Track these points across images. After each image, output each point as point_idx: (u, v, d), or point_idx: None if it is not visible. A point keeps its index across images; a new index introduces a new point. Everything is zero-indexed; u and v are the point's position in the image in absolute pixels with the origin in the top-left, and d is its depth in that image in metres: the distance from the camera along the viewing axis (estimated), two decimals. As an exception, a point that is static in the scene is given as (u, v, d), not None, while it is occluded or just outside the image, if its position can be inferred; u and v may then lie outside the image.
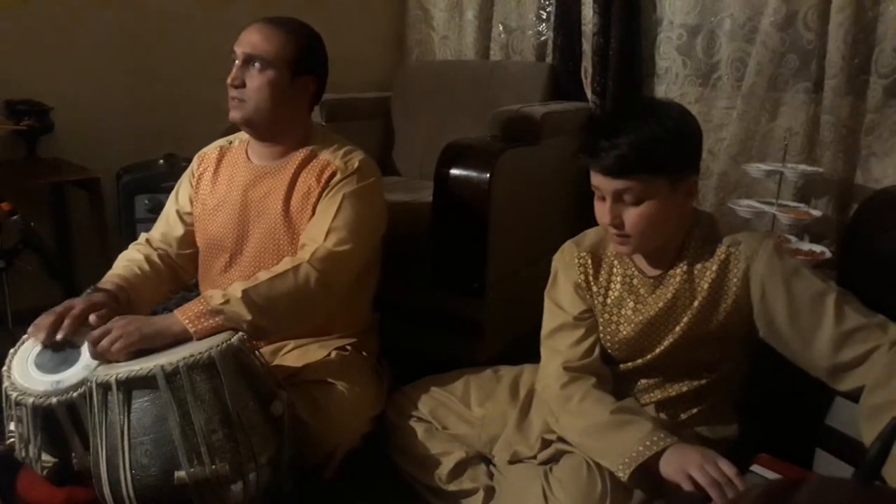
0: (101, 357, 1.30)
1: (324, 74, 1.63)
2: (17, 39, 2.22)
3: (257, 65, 1.51)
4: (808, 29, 2.07)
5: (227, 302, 1.35)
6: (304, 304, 1.46)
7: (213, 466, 1.22)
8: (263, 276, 1.42)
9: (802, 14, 2.06)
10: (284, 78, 1.53)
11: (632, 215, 1.24)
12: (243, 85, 1.52)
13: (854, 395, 1.21)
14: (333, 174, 1.56)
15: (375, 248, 1.65)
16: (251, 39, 1.52)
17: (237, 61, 1.53)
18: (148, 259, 1.61)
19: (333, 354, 1.58)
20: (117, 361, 1.29)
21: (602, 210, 1.28)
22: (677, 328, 1.31)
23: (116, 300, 1.46)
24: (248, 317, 1.35)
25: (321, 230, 1.50)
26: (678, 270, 1.31)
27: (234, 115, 1.56)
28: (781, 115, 2.15)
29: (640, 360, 1.36)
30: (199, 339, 1.32)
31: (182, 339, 1.32)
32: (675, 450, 1.16)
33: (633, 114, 1.28)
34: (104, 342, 1.29)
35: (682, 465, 1.13)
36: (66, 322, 1.37)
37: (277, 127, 1.58)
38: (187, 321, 1.32)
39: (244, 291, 1.36)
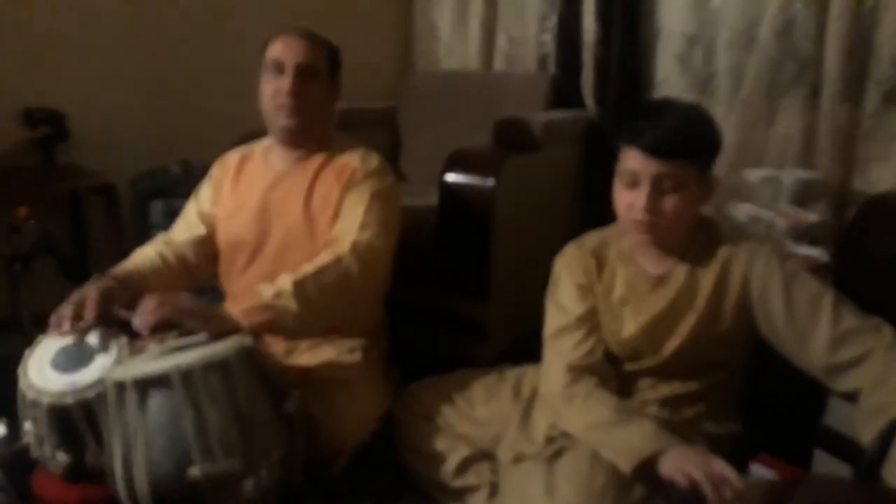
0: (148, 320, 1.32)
1: (341, 76, 1.72)
2: (33, 48, 2.25)
3: (309, 74, 1.59)
4: (805, 37, 2.09)
5: (278, 296, 1.38)
6: (347, 296, 1.50)
7: (227, 463, 1.25)
8: (309, 269, 1.45)
9: (800, 22, 2.09)
10: (327, 82, 1.64)
11: (669, 202, 1.26)
12: (299, 93, 1.59)
13: (850, 396, 1.24)
14: (353, 174, 1.62)
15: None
16: (298, 50, 1.59)
17: (287, 71, 1.59)
18: (161, 255, 1.65)
19: (344, 354, 1.62)
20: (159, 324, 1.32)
21: (631, 197, 1.29)
22: (684, 329, 1.33)
23: (125, 287, 1.49)
24: (297, 310, 1.38)
25: (354, 224, 1.56)
26: (681, 270, 1.34)
27: (291, 122, 1.62)
28: (779, 122, 2.17)
29: (648, 361, 1.37)
30: (252, 332, 1.35)
31: (233, 331, 1.34)
32: (677, 451, 1.19)
33: (669, 104, 1.32)
34: (149, 306, 1.32)
35: (681, 464, 1.15)
36: (89, 315, 1.39)
37: (318, 129, 1.67)
38: (242, 314, 1.36)
39: (294, 284, 1.40)
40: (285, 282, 1.41)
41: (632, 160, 1.28)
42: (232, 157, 1.77)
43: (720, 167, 2.22)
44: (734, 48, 2.24)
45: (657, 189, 1.26)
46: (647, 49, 2.46)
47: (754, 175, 2.05)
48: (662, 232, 1.30)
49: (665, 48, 2.41)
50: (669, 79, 2.41)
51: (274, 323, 1.38)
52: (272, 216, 1.65)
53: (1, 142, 2.11)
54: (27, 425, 1.38)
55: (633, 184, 1.28)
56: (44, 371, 1.38)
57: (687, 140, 1.25)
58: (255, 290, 1.41)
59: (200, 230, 1.72)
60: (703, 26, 2.32)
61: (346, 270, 1.48)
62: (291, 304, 1.39)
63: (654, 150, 1.24)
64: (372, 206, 1.58)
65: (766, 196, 2.04)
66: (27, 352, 1.43)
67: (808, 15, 2.08)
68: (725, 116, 2.25)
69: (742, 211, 2.01)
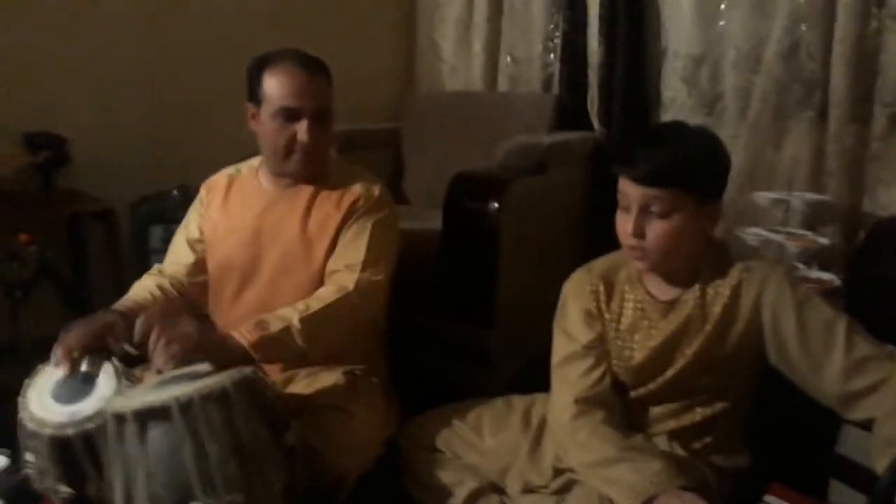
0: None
1: None
2: (34, 72, 2.27)
3: (325, 114, 1.56)
4: (811, 59, 2.08)
5: (286, 332, 1.38)
6: (349, 330, 1.52)
7: (228, 497, 1.23)
8: (314, 304, 1.45)
9: (805, 44, 2.08)
10: (332, 117, 1.60)
11: (655, 228, 1.25)
12: (318, 139, 1.56)
13: (863, 425, 1.22)
14: (356, 201, 1.60)
15: None
16: (313, 93, 1.55)
17: (304, 117, 1.54)
18: (160, 287, 1.63)
19: (342, 380, 1.60)
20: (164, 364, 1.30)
21: (625, 220, 1.28)
22: (689, 352, 1.32)
23: (127, 320, 1.45)
24: (302, 346, 1.39)
25: (357, 259, 1.54)
26: (690, 295, 1.33)
27: (307, 169, 1.60)
28: (787, 144, 2.15)
29: (651, 385, 1.36)
30: (261, 361, 1.35)
31: (241, 361, 1.33)
32: (670, 495, 1.17)
33: (670, 131, 1.33)
34: (161, 344, 1.30)
35: None
36: (82, 353, 1.39)
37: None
38: (250, 347, 1.34)
39: (301, 321, 1.40)
40: (292, 317, 1.41)
41: (623, 184, 1.28)
42: (219, 180, 1.74)
43: (729, 190, 2.22)
44: (740, 69, 2.23)
45: (644, 214, 1.26)
46: (653, 69, 2.45)
47: (763, 198, 2.03)
48: (654, 258, 1.29)
49: (671, 69, 2.41)
50: (676, 99, 2.40)
51: (280, 357, 1.40)
52: (265, 240, 1.62)
53: (2, 167, 2.11)
54: (28, 456, 1.37)
55: (627, 208, 1.28)
56: (44, 401, 1.37)
57: (676, 171, 1.23)
58: (262, 322, 1.40)
59: (189, 258, 1.70)
60: (709, 46, 2.31)
61: (350, 308, 1.49)
62: (298, 341, 1.39)
63: (640, 180, 1.24)
64: (373, 238, 1.57)
65: (776, 219, 2.03)
66: (27, 381, 1.42)
67: (814, 37, 2.07)
68: (733, 139, 2.24)
69: (751, 234, 1.99)
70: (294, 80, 1.54)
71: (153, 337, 1.32)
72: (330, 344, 1.51)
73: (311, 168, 1.61)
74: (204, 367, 1.32)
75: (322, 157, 1.62)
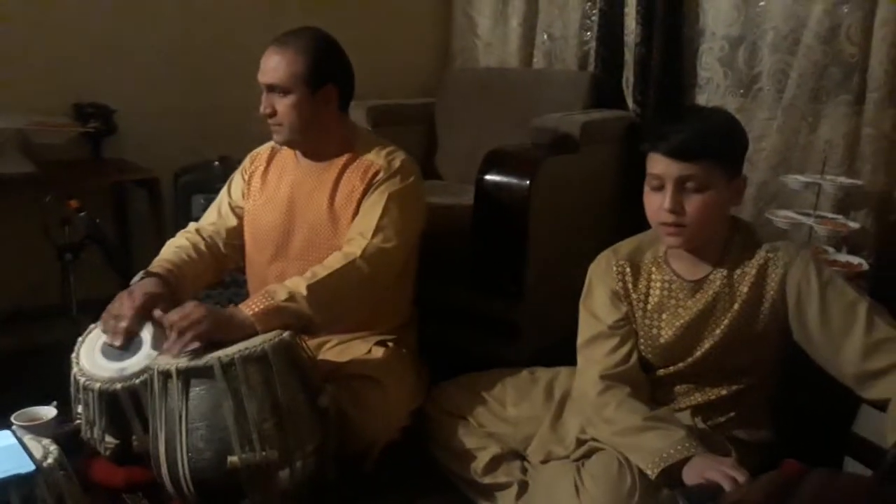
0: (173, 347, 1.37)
1: (346, 76, 1.68)
2: (85, 46, 2.32)
3: (278, 92, 1.60)
4: (850, 42, 2.05)
5: (292, 299, 1.42)
6: (356, 299, 1.55)
7: (263, 453, 1.30)
8: (321, 272, 1.48)
9: (845, 27, 2.05)
10: (305, 96, 1.60)
11: (693, 203, 1.27)
12: (274, 112, 1.61)
13: (880, 404, 1.24)
14: (377, 173, 1.63)
15: (414, 247, 1.72)
16: (266, 68, 1.60)
17: (264, 90, 1.62)
18: (195, 246, 1.69)
19: (374, 350, 1.65)
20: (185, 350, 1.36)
21: (658, 200, 1.30)
22: (717, 331, 1.34)
23: (168, 284, 1.54)
24: (310, 313, 1.43)
25: (369, 227, 1.57)
26: (718, 275, 1.35)
27: (276, 139, 1.67)
28: (822, 127, 2.13)
29: (680, 364, 1.38)
30: (266, 330, 1.39)
31: (249, 333, 1.38)
32: (700, 458, 1.20)
33: (692, 109, 1.39)
34: (175, 335, 1.37)
35: (701, 470, 1.17)
36: (130, 321, 1.46)
37: (316, 138, 1.67)
38: (255, 318, 1.39)
39: (308, 288, 1.44)
40: (298, 285, 1.45)
41: (656, 164, 1.30)
42: (263, 151, 1.80)
43: (762, 172, 2.22)
44: (778, 51, 2.21)
45: (680, 190, 1.28)
46: (690, 50, 2.43)
47: (795, 181, 2.03)
48: (690, 235, 1.31)
49: (708, 49, 2.38)
50: (712, 80, 2.38)
51: (288, 325, 1.42)
52: (297, 213, 1.68)
53: (54, 135, 2.17)
54: (79, 408, 1.45)
55: (659, 187, 1.30)
56: (94, 358, 1.45)
57: (709, 142, 1.26)
58: (269, 291, 1.44)
59: (231, 222, 1.76)
60: (747, 28, 2.28)
61: (356, 275, 1.51)
62: (304, 307, 1.43)
63: (675, 153, 1.26)
64: (388, 208, 1.60)
65: (808, 202, 2.02)
66: (79, 339, 1.49)
67: (855, 19, 2.04)
68: (768, 121, 2.23)
69: (781, 217, 1.99)
70: (265, 55, 1.62)
71: (171, 333, 1.38)
72: (342, 311, 1.54)
73: (280, 138, 1.65)
74: None
75: (292, 132, 1.63)
